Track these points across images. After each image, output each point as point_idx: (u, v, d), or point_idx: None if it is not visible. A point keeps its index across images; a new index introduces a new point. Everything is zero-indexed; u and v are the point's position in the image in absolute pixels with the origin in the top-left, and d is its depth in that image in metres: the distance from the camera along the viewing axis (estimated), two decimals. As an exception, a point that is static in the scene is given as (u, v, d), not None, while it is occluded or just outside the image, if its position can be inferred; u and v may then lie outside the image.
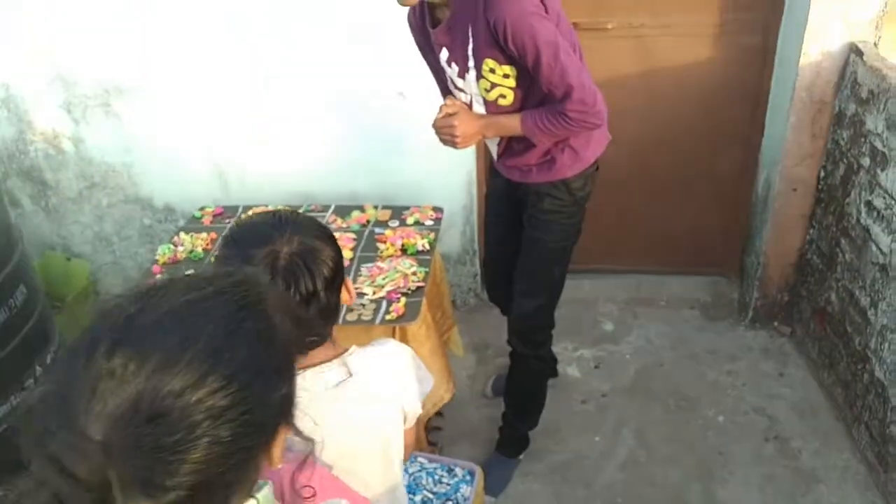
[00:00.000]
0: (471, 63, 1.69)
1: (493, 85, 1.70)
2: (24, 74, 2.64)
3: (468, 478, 1.83)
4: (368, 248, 2.17)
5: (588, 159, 1.86)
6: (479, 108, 1.80)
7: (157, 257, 2.21)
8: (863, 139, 2.21)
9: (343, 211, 2.39)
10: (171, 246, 2.24)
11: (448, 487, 1.79)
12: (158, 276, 2.11)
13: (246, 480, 0.67)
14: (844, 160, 2.32)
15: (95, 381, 0.57)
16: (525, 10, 1.57)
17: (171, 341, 0.59)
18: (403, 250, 2.14)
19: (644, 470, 2.32)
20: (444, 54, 1.76)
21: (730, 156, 2.82)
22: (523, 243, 2.01)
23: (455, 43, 1.70)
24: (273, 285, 0.72)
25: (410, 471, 1.84)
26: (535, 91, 1.69)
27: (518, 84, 1.70)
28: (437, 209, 2.37)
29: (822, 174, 2.47)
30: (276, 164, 2.77)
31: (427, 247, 2.15)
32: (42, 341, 2.21)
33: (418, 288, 1.96)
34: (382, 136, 2.68)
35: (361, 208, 2.38)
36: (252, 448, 0.64)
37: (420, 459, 1.89)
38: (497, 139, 1.91)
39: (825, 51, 2.30)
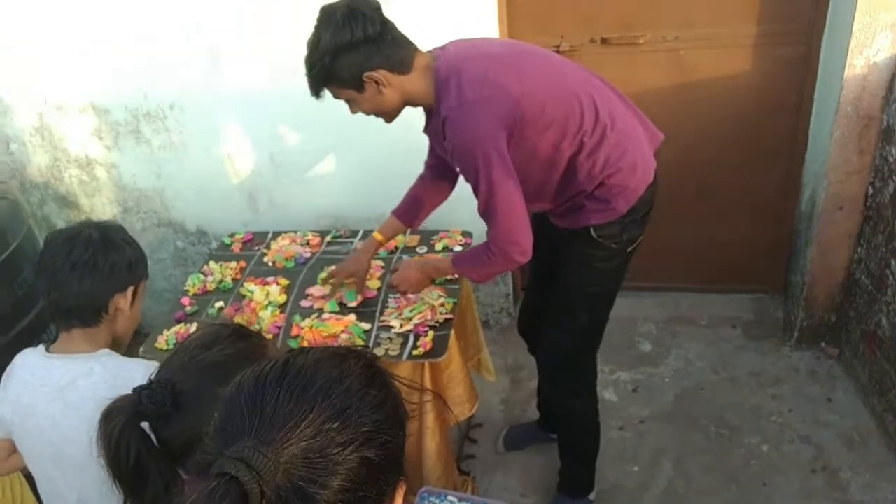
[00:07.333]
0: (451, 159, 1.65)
1: None
2: (58, 103, 2.67)
3: (499, 518, 1.77)
4: (396, 277, 2.13)
5: (620, 209, 1.70)
6: None
7: (186, 288, 2.20)
8: (914, 156, 2.10)
9: (371, 237, 2.35)
10: (201, 276, 2.23)
11: (478, 528, 1.74)
12: (188, 307, 2.11)
13: None
14: (894, 178, 2.20)
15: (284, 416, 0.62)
16: (478, 137, 1.50)
17: (332, 375, 0.66)
18: (431, 279, 2.09)
19: (683, 502, 2.24)
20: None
21: (771, 171, 2.71)
22: (556, 281, 1.90)
23: (435, 143, 1.77)
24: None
25: (440, 509, 1.79)
26: (525, 164, 1.61)
27: None
28: (466, 234, 2.32)
29: (871, 191, 2.36)
30: (306, 187, 2.76)
31: (455, 275, 2.10)
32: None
33: (446, 321, 1.92)
34: (411, 158, 2.64)
35: (390, 234, 2.34)
36: (387, 486, 0.68)
37: (450, 498, 1.83)
38: None
39: (871, 63, 2.19)
